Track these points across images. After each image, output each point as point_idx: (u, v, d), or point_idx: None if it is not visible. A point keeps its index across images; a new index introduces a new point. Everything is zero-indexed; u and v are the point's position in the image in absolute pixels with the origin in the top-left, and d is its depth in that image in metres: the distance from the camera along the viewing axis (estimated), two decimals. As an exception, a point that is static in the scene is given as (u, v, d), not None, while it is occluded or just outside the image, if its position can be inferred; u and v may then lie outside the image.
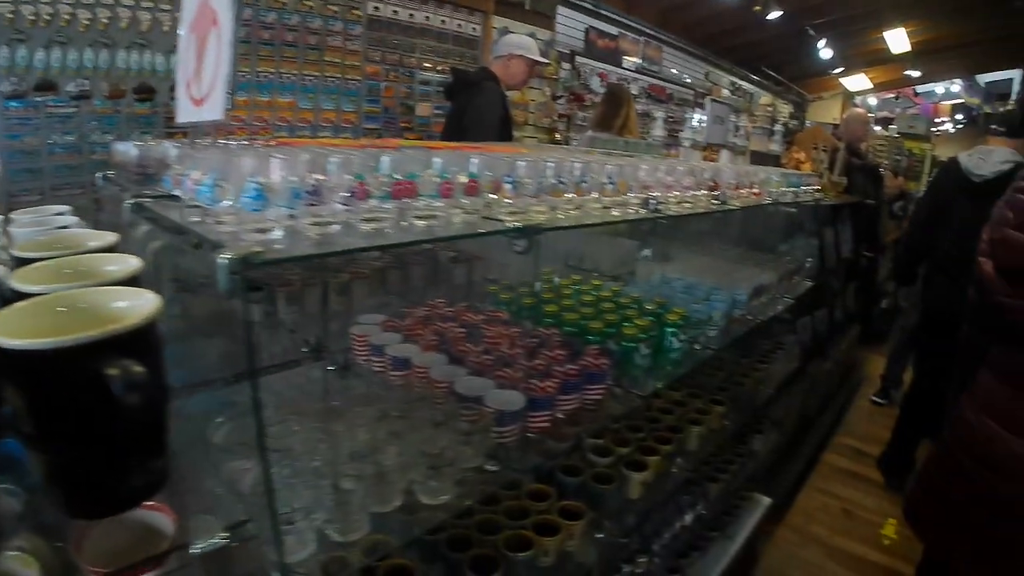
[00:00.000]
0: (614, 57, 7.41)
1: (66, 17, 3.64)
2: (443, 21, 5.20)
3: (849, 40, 9.86)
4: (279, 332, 1.90)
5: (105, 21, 3.77)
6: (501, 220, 1.24)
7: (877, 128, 11.54)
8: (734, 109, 5.04)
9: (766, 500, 3.57)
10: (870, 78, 13.35)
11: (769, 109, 4.25)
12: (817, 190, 3.45)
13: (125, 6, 3.84)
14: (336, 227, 1.11)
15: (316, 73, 4.66)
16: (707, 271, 2.88)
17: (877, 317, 6.80)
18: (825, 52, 9.68)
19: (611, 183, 1.58)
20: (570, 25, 6.83)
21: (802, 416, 4.34)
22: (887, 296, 7.12)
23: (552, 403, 1.54)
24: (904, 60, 11.18)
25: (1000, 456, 1.96)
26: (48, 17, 3.59)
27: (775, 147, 3.81)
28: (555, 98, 6.19)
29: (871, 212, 5.85)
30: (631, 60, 7.63)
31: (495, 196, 1.28)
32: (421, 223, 1.17)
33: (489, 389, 1.49)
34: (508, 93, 4.52)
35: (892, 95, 14.38)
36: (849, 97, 13.88)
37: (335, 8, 4.66)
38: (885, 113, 13.94)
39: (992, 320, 2.07)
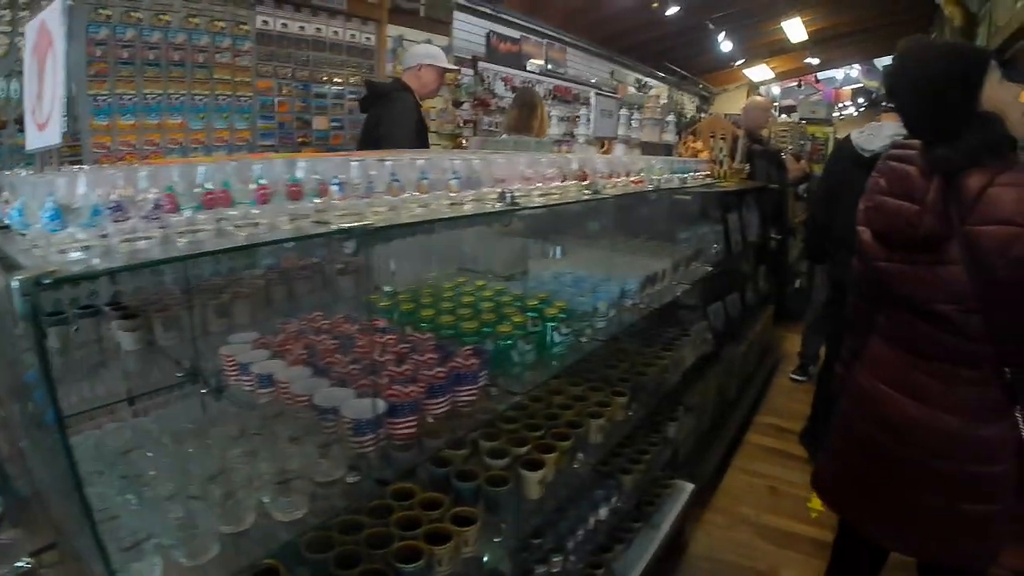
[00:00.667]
0: (518, 60, 7.41)
1: None
2: (336, 32, 5.09)
3: (748, 32, 10.09)
4: (157, 358, 1.81)
5: None
6: (328, 223, 1.18)
7: (784, 117, 11.93)
8: (626, 103, 5.09)
9: (689, 486, 3.60)
10: (772, 68, 13.70)
11: (662, 101, 4.29)
12: (708, 176, 3.49)
13: (2, 32, 3.74)
14: (146, 242, 1.04)
15: (206, 92, 4.49)
16: (601, 264, 2.88)
17: (791, 297, 6.97)
18: (725, 45, 9.89)
19: (456, 178, 1.53)
20: (470, 30, 6.81)
21: (721, 399, 4.40)
22: (800, 276, 7.31)
23: (418, 407, 1.49)
24: (803, 49, 11.50)
25: (895, 419, 2.02)
26: None
27: (669, 137, 3.85)
28: (457, 104, 6.15)
29: (776, 196, 5.99)
30: (535, 63, 7.65)
31: (319, 200, 1.22)
32: (241, 233, 1.10)
33: (348, 399, 1.43)
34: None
35: (795, 83, 14.84)
36: (754, 88, 14.27)
37: (222, 24, 4.51)
38: (790, 101, 14.38)
39: (874, 287, 2.12)
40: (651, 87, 9.69)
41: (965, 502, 1.95)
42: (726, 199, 4.63)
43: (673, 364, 3.16)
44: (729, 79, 14.23)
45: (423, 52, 4.60)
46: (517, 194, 1.65)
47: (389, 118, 4.22)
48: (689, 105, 12.87)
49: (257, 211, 1.13)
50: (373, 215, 1.28)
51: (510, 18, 7.31)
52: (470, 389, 1.65)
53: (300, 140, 5.03)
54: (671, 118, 3.92)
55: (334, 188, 1.23)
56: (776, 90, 15.32)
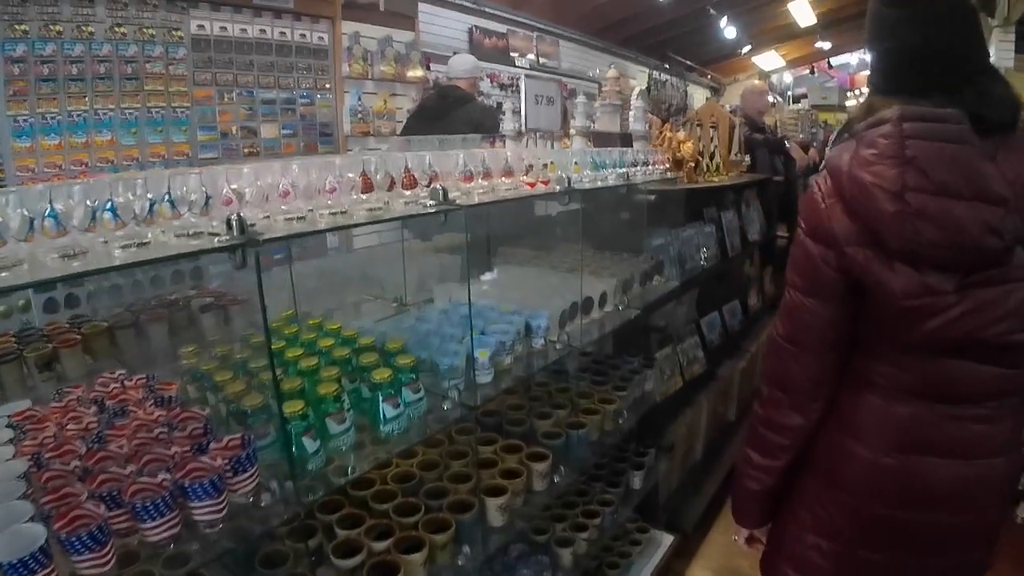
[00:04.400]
0: (505, 56, 6.93)
1: None
2: (282, 33, 4.67)
3: (753, 16, 9.42)
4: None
5: None
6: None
7: (796, 106, 11.20)
8: (583, 91, 4.53)
9: (669, 537, 3.08)
10: (782, 55, 12.95)
11: (619, 84, 3.80)
12: (668, 171, 2.96)
13: None
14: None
15: (137, 105, 4.13)
16: (533, 285, 2.40)
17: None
18: (729, 31, 9.25)
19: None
20: (449, 25, 6.35)
21: (716, 425, 3.86)
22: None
23: (104, 538, 1.06)
24: (812, 33, 10.76)
25: (944, 488, 1.44)
26: None
27: (638, 127, 3.33)
28: (428, 104, 5.69)
29: (783, 189, 5.42)
30: (526, 58, 7.15)
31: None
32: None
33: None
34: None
35: (807, 71, 14.04)
36: (764, 77, 13.53)
37: (152, 31, 4.13)
38: (803, 89, 13.61)
39: (879, 328, 1.52)
40: (664, 81, 9.07)
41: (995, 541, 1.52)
42: (719, 195, 4.10)
43: (633, 403, 2.66)
44: (738, 68, 13.46)
45: (474, 65, 4.61)
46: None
47: (486, 116, 4.40)
48: (700, 98, 12.22)
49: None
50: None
51: (494, 11, 6.82)
52: (210, 504, 1.19)
53: (247, 150, 4.63)
54: (638, 103, 3.40)
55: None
56: (788, 78, 14.53)
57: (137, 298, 2.28)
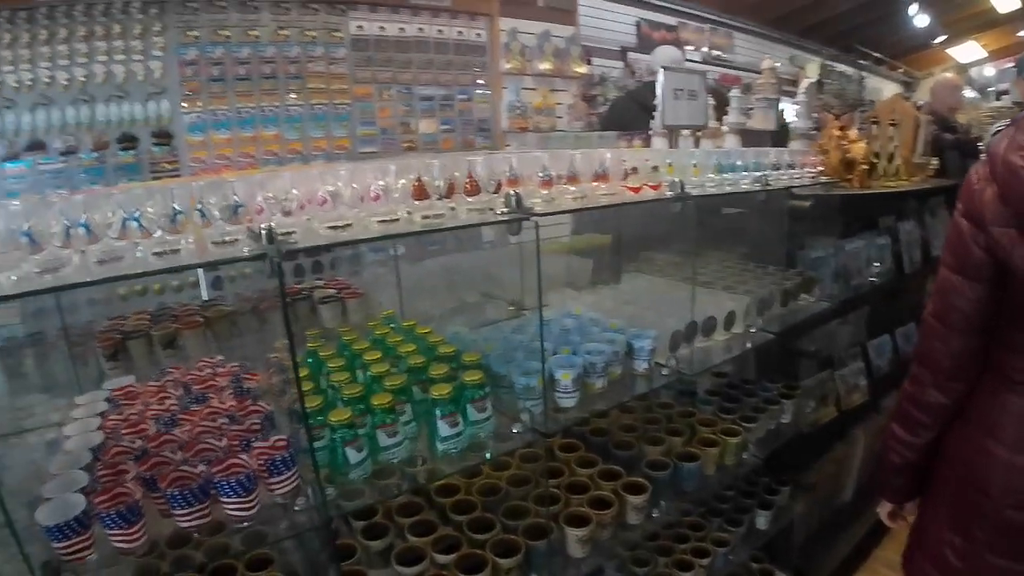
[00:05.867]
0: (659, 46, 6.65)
1: (46, 80, 3.72)
2: (440, 31, 4.72)
3: (947, 2, 8.42)
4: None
5: (82, 79, 3.80)
6: None
7: (997, 103, 9.77)
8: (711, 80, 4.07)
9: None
10: (982, 45, 11.48)
11: (776, 76, 3.41)
12: (822, 174, 2.62)
13: (99, 62, 3.83)
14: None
15: (301, 102, 4.35)
16: (649, 299, 2.20)
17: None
18: (920, 19, 8.28)
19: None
20: (617, 19, 6.17)
21: (871, 464, 3.40)
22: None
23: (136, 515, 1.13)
24: (1015, 20, 9.48)
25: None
26: (30, 82, 3.69)
27: (801, 123, 3.00)
28: (588, 99, 5.53)
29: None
30: (697, 51, 6.80)
31: None
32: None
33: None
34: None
35: (1010, 63, 12.21)
36: (963, 70, 11.97)
37: (314, 33, 4.35)
38: (1006, 85, 11.87)
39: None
40: (847, 75, 8.29)
41: None
42: (898, 203, 3.63)
43: (765, 436, 2.38)
44: (932, 61, 12.01)
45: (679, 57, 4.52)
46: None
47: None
48: (889, 93, 11.04)
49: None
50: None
51: (663, 3, 6.54)
52: (239, 502, 1.18)
53: (405, 145, 4.74)
54: (802, 97, 3.05)
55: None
56: (990, 71, 12.74)
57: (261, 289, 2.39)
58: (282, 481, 1.27)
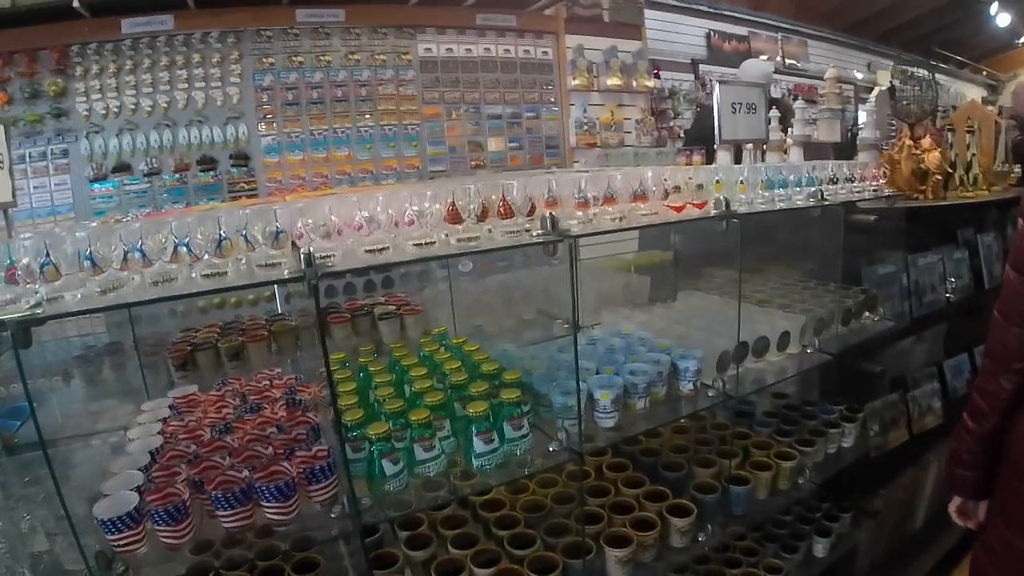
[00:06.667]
0: (747, 60, 6.53)
1: (131, 107, 4.02)
2: (507, 51, 4.80)
3: None
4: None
5: (164, 105, 4.08)
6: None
7: None
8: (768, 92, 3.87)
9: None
10: None
11: (840, 85, 3.25)
12: (888, 187, 2.51)
13: (180, 89, 4.10)
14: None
15: (371, 123, 4.51)
16: (701, 317, 2.18)
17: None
18: (1002, 18, 7.86)
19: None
20: (686, 31, 6.13)
21: (945, 489, 3.24)
22: None
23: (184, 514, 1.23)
24: None
25: None
26: (116, 109, 3.99)
27: (868, 134, 2.91)
28: (656, 113, 5.49)
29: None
30: (771, 60, 6.66)
31: None
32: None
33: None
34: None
35: None
36: None
37: (383, 57, 4.50)
38: None
39: None
40: (927, 81, 7.94)
41: None
42: (977, 214, 3.47)
43: (824, 461, 2.31)
44: (1017, 62, 11.18)
45: (766, 72, 4.57)
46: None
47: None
48: (974, 96, 10.50)
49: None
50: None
51: (733, 13, 6.46)
52: (278, 506, 1.27)
53: (474, 163, 4.83)
54: (870, 106, 2.96)
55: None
56: None
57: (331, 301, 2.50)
58: (321, 489, 1.34)
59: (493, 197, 1.37)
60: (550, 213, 1.37)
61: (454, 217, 1.30)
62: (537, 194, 1.45)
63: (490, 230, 1.34)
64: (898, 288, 2.77)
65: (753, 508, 2.08)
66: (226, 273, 1.16)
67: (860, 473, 2.55)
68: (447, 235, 1.31)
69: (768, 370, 2.05)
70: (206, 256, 1.16)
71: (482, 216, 1.33)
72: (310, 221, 1.24)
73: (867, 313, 2.46)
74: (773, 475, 2.10)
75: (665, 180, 1.60)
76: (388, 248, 1.26)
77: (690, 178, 1.68)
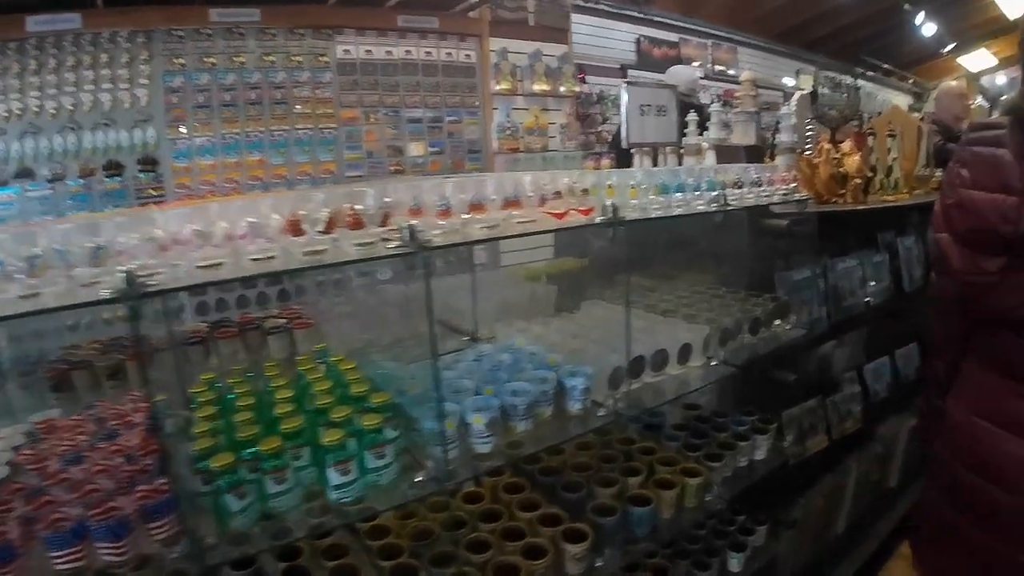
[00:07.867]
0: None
1: (35, 109, 3.79)
2: (428, 53, 4.68)
3: (954, 10, 8.24)
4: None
5: (70, 107, 3.86)
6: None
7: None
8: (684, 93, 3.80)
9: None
10: (994, 53, 11.08)
11: (755, 89, 3.25)
12: (800, 190, 2.45)
13: (87, 91, 3.88)
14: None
15: (286, 127, 4.34)
16: (603, 329, 2.08)
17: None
18: (928, 28, 8.09)
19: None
20: (615, 36, 6.10)
21: (866, 494, 3.22)
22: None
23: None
24: None
25: (996, 461, 1.54)
26: (19, 111, 3.75)
27: (785, 137, 2.87)
28: (582, 118, 5.44)
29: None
30: (701, 67, 6.68)
31: None
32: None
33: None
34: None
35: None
36: (974, 79, 11.65)
37: (299, 59, 4.34)
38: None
39: (959, 302, 1.66)
40: (855, 88, 8.12)
41: None
42: (896, 218, 3.46)
43: (733, 476, 2.23)
44: (943, 70, 11.64)
45: (693, 78, 4.63)
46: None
47: None
48: (901, 105, 10.82)
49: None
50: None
51: (663, 19, 6.46)
52: (111, 546, 1.16)
53: (393, 168, 4.69)
54: (789, 110, 2.93)
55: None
56: (1002, 79, 12.40)
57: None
58: (161, 527, 1.21)
59: (345, 206, 1.24)
60: (409, 223, 1.25)
61: (294, 229, 1.17)
62: (402, 202, 1.33)
63: (336, 240, 1.21)
64: (815, 293, 2.72)
65: (657, 529, 1.97)
66: (39, 295, 1.04)
67: (778, 483, 2.48)
68: (290, 249, 1.19)
69: (670, 384, 1.95)
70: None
71: (329, 227, 1.20)
72: (135, 236, 1.10)
73: (778, 321, 2.40)
74: (678, 493, 2.00)
75: (544, 185, 1.49)
76: (222, 264, 1.13)
77: (575, 183, 1.57)
